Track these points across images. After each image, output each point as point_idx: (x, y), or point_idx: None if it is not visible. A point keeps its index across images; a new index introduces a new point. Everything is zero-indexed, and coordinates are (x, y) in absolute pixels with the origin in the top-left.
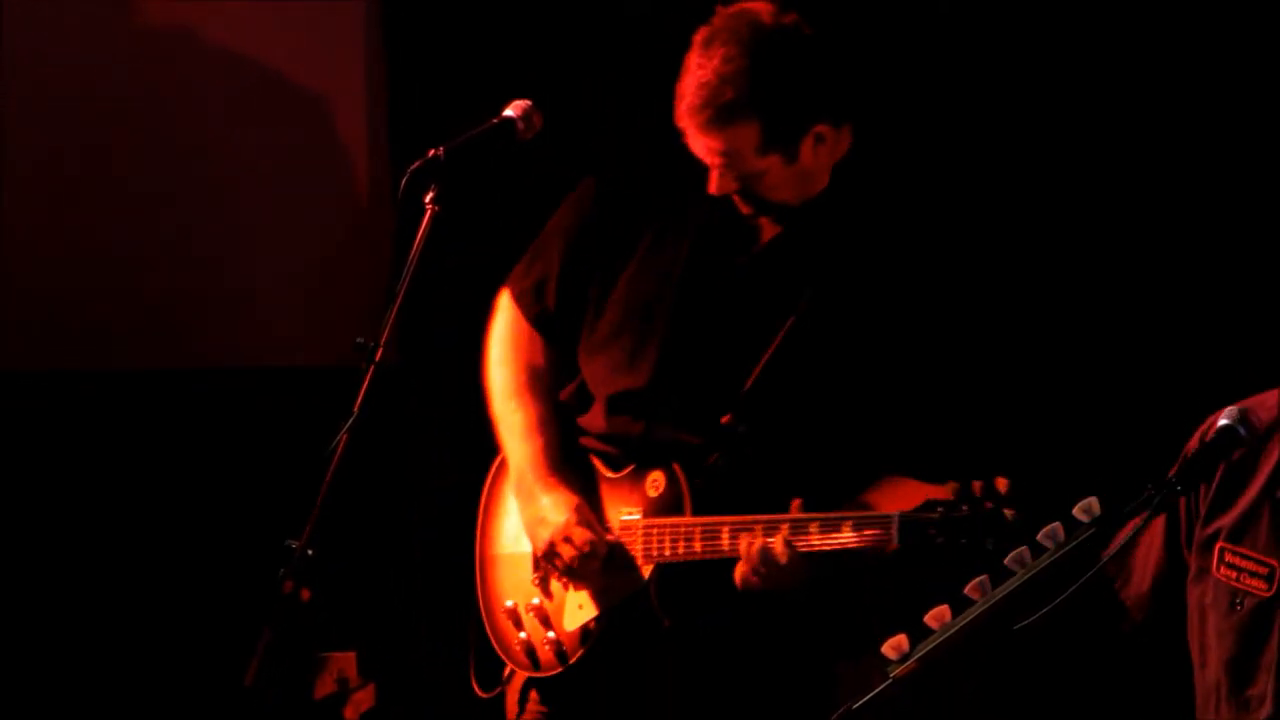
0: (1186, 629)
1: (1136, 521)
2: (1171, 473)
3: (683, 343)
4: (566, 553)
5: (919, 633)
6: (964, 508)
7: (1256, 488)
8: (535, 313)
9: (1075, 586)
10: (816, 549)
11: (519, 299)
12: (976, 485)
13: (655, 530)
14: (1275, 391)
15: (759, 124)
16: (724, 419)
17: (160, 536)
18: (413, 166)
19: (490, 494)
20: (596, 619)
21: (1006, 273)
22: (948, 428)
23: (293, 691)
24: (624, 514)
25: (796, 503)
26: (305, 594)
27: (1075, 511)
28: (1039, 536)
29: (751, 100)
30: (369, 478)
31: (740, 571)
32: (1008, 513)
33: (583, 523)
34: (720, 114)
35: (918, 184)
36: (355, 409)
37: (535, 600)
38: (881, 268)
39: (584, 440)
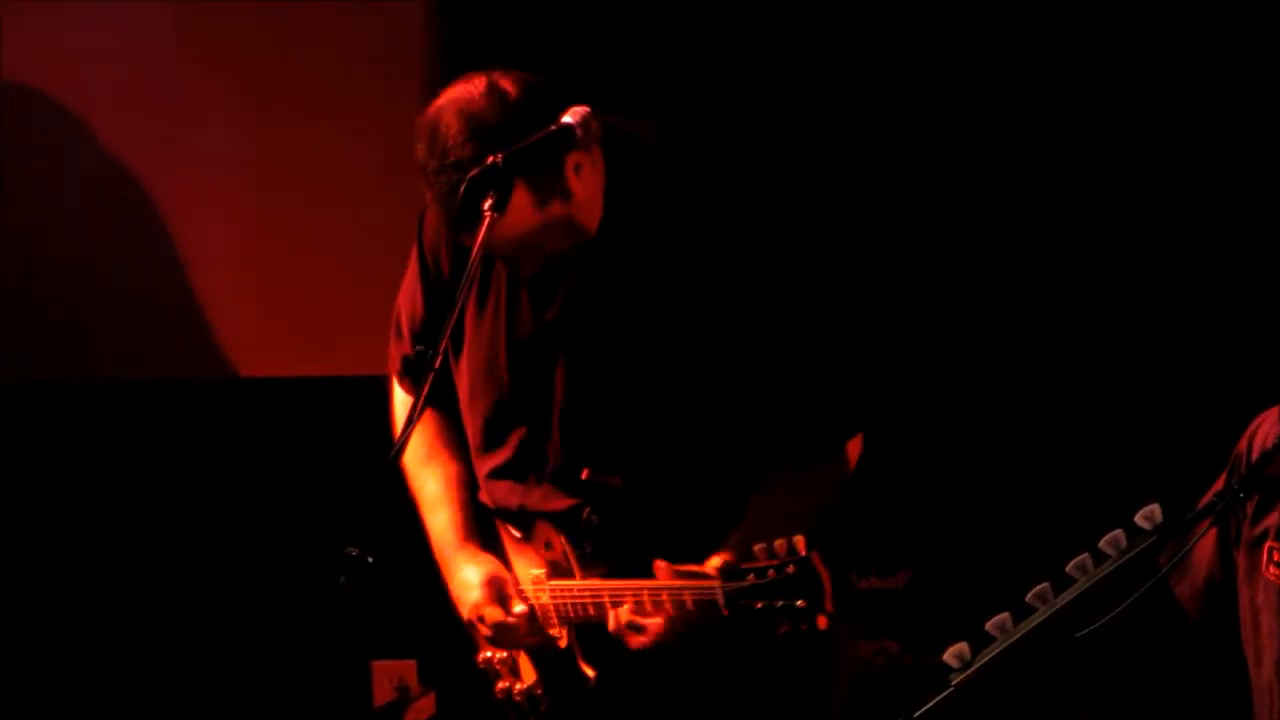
0: (1240, 630)
1: (1199, 530)
2: (1222, 477)
3: (529, 411)
4: (483, 630)
5: (980, 640)
6: (770, 572)
7: None
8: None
9: (1137, 595)
10: (673, 615)
11: (401, 381)
12: (779, 545)
13: (559, 591)
14: None
15: (524, 184)
16: (584, 474)
17: (203, 548)
18: (471, 173)
19: None
20: (538, 677)
21: (997, 274)
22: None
23: (352, 701)
24: (533, 572)
25: (658, 565)
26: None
27: (1137, 519)
28: (1101, 544)
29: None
30: None
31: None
32: (790, 569)
33: (494, 599)
34: (466, 217)
35: (712, 183)
36: (414, 416)
37: (501, 655)
38: (685, 274)
39: (483, 500)
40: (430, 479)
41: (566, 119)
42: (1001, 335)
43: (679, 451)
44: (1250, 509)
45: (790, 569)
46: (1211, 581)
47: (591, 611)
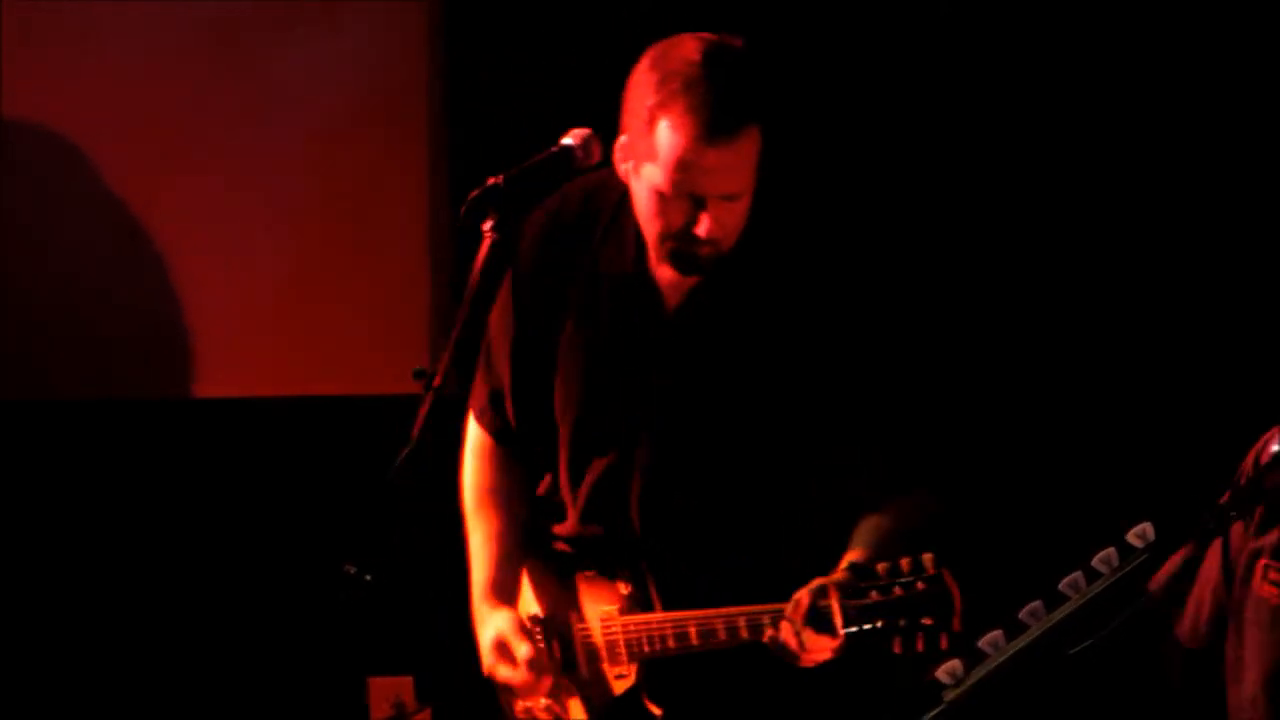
0: (1225, 639)
1: (1189, 548)
2: (1227, 495)
3: (617, 435)
4: (508, 688)
5: (973, 658)
6: (896, 589)
7: None
8: (497, 428)
9: (1126, 615)
10: (771, 638)
11: (480, 417)
12: (905, 563)
13: (634, 625)
14: None
15: (758, 130)
16: (667, 502)
17: (223, 565)
18: (472, 195)
19: None
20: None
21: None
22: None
23: None
24: (603, 609)
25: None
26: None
27: (1130, 537)
28: (1094, 562)
29: (759, 104)
30: (427, 504)
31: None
32: (920, 586)
33: (502, 659)
34: (740, 115)
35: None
36: (414, 436)
37: (545, 703)
38: (789, 301)
39: (557, 531)
40: (476, 531)
41: (567, 141)
42: (999, 352)
43: (766, 481)
44: (1256, 517)
45: (920, 585)
46: (1219, 612)
47: (671, 644)
